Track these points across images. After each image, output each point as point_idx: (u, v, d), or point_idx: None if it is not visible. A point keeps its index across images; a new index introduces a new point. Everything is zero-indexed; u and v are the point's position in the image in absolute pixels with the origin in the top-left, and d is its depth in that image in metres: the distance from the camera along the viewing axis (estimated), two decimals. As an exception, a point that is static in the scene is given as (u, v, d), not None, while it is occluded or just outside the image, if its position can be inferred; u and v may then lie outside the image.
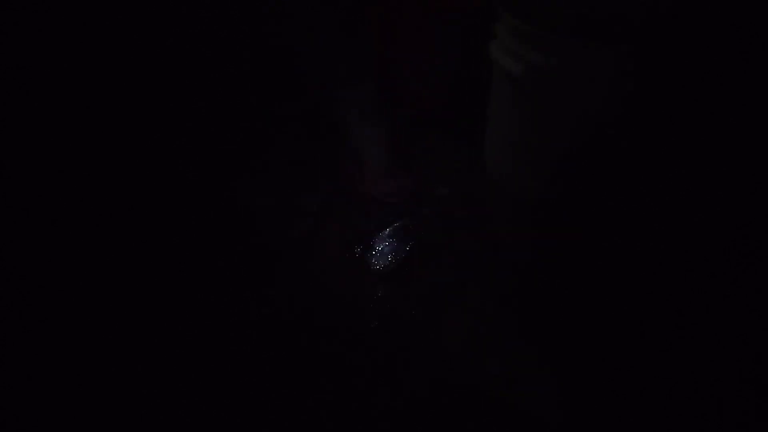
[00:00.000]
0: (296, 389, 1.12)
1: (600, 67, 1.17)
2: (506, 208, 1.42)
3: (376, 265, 1.31)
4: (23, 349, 1.17)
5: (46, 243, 1.34)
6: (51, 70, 1.49)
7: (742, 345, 1.12)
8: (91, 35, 1.52)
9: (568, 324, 1.20)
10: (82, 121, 1.53)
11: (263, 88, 1.77)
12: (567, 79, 1.18)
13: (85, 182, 1.46)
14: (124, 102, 1.58)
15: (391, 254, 1.32)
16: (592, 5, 1.27)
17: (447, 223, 1.39)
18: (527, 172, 1.38)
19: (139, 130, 1.59)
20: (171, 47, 1.63)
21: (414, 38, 1.61)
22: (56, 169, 1.46)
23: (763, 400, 1.05)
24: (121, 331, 1.20)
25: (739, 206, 1.22)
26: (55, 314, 1.23)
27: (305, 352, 1.17)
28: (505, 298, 1.26)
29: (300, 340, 1.19)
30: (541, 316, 1.22)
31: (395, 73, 1.70)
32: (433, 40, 1.59)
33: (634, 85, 1.22)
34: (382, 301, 1.26)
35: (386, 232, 1.36)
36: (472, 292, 1.28)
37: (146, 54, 1.60)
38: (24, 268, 1.30)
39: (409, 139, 1.65)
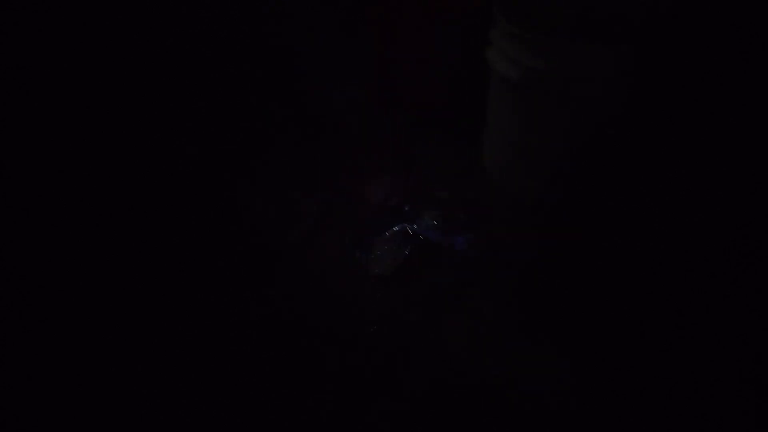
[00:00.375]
0: (296, 389, 1.12)
1: (599, 68, 1.17)
2: (506, 209, 1.42)
3: (375, 268, 1.31)
4: (23, 349, 1.17)
5: (46, 243, 1.35)
6: (51, 70, 1.49)
7: (742, 344, 1.12)
8: (91, 35, 1.52)
9: (568, 324, 1.20)
10: (83, 121, 1.53)
11: (263, 88, 1.77)
12: (566, 81, 1.18)
13: (85, 182, 1.46)
14: (125, 102, 1.59)
15: (390, 258, 1.32)
16: (590, 6, 1.27)
17: (446, 226, 1.38)
18: (527, 173, 1.38)
19: (140, 130, 1.59)
20: (171, 47, 1.63)
21: (414, 38, 1.61)
22: (56, 169, 1.46)
23: (764, 400, 1.05)
24: (121, 331, 1.20)
25: (738, 206, 1.22)
26: (55, 314, 1.23)
27: (305, 352, 1.17)
28: (506, 299, 1.26)
29: (300, 340, 1.19)
30: (542, 316, 1.22)
31: (395, 73, 1.70)
32: (433, 40, 1.59)
33: (633, 85, 1.22)
34: (381, 304, 1.26)
35: (385, 236, 1.35)
36: (471, 293, 1.27)
37: (146, 54, 1.60)
38: (24, 268, 1.30)
39: (408, 139, 1.65)
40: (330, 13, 1.75)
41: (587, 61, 1.16)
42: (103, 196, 1.45)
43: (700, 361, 1.11)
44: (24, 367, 1.15)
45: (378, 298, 1.27)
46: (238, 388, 1.12)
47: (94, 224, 1.40)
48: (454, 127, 1.62)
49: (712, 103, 1.20)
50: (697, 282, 1.21)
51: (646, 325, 1.17)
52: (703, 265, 1.22)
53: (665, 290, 1.22)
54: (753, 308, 1.15)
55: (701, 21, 1.15)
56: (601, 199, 1.32)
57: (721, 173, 1.24)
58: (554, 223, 1.34)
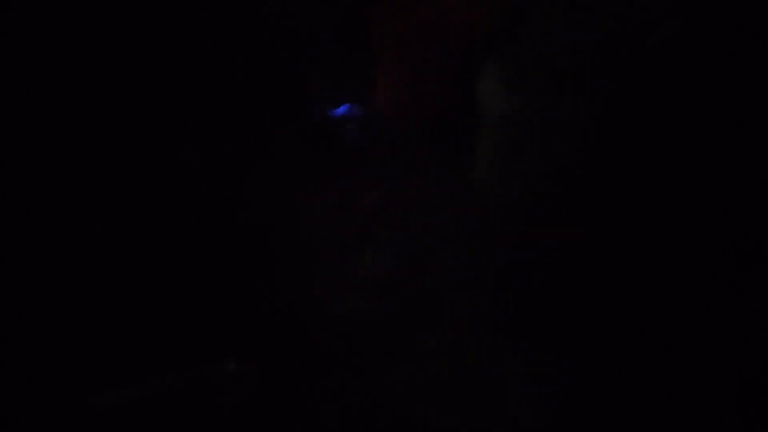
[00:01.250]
0: (296, 389, 1.12)
1: (583, 112, 1.19)
2: (496, 220, 1.42)
3: (363, 274, 1.32)
4: (23, 349, 1.17)
5: (46, 243, 1.35)
6: (50, 70, 1.49)
7: (742, 345, 1.12)
8: (90, 35, 1.52)
9: (565, 327, 1.20)
10: (82, 121, 1.53)
11: (263, 88, 1.77)
12: (549, 123, 1.20)
13: (84, 182, 1.47)
14: (125, 101, 1.59)
15: (377, 265, 1.33)
16: (574, 56, 1.27)
17: (434, 235, 1.39)
18: (515, 189, 1.39)
19: (140, 130, 1.59)
20: (171, 47, 1.63)
21: (413, 49, 1.60)
22: (56, 168, 1.46)
23: (764, 401, 1.05)
24: (121, 331, 1.21)
25: (738, 207, 1.22)
26: (55, 314, 1.23)
27: (304, 353, 1.18)
28: (493, 307, 1.26)
29: (298, 341, 1.19)
30: (533, 323, 1.22)
31: (393, 79, 1.69)
32: (433, 52, 1.58)
33: (624, 127, 1.23)
34: (368, 310, 1.27)
35: (375, 244, 1.36)
36: (458, 301, 1.28)
37: (146, 54, 1.60)
38: (24, 268, 1.30)
39: (404, 148, 1.65)
40: (330, 12, 1.75)
41: (571, 106, 1.18)
42: (103, 196, 1.45)
43: (700, 361, 1.11)
44: (24, 367, 1.15)
45: (364, 306, 1.28)
46: (237, 388, 1.12)
47: (95, 224, 1.40)
48: (448, 138, 1.62)
49: (711, 109, 1.21)
50: (696, 282, 1.21)
51: (645, 326, 1.17)
52: (703, 266, 1.22)
53: (665, 291, 1.22)
54: (753, 308, 1.15)
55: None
56: (598, 206, 1.32)
57: (721, 174, 1.24)
58: (544, 232, 1.34)
